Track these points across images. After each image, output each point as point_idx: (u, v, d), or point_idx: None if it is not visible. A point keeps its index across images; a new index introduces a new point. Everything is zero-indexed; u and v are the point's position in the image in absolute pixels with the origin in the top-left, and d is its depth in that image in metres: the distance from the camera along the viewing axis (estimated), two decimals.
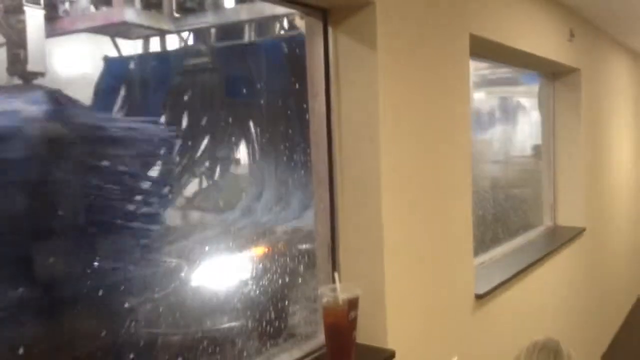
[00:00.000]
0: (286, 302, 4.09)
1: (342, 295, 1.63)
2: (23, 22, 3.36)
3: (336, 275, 1.69)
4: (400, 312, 1.87)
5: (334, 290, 1.66)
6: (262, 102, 4.74)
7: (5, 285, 3.12)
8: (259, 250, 4.42)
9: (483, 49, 2.73)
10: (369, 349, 1.79)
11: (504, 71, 4.42)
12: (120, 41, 5.02)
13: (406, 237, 1.92)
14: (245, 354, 3.74)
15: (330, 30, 1.80)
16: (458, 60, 2.30)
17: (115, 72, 4.74)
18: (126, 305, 3.42)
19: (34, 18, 3.39)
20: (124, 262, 3.56)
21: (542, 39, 3.27)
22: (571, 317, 3.63)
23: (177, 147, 4.37)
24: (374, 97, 1.76)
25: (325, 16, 1.79)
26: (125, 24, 4.47)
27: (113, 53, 5.01)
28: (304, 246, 4.46)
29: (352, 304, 1.65)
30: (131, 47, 5.15)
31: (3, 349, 2.77)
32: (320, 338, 1.82)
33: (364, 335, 1.77)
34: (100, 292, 3.34)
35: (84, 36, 4.68)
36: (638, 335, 4.93)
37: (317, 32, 1.81)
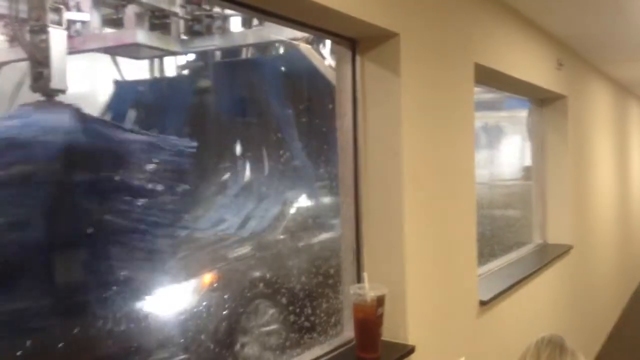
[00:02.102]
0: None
1: (371, 293, 1.82)
2: (46, 41, 3.52)
3: (365, 275, 1.88)
4: (418, 313, 2.06)
5: (363, 288, 1.85)
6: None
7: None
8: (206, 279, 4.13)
9: (483, 76, 2.96)
10: (392, 344, 1.97)
11: (488, 97, 4.67)
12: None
13: (423, 245, 2.12)
14: None
15: (358, 57, 2.01)
16: (464, 85, 2.53)
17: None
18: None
19: (57, 38, 3.56)
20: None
21: (534, 67, 3.53)
22: (562, 326, 3.83)
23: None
24: (398, 117, 1.97)
25: (354, 45, 2.01)
26: (136, 45, 4.66)
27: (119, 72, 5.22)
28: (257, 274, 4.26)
29: (380, 301, 1.84)
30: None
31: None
32: (347, 334, 2.01)
33: (386, 332, 1.95)
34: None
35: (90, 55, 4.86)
36: (623, 346, 5.18)
37: (346, 60, 2.02)
